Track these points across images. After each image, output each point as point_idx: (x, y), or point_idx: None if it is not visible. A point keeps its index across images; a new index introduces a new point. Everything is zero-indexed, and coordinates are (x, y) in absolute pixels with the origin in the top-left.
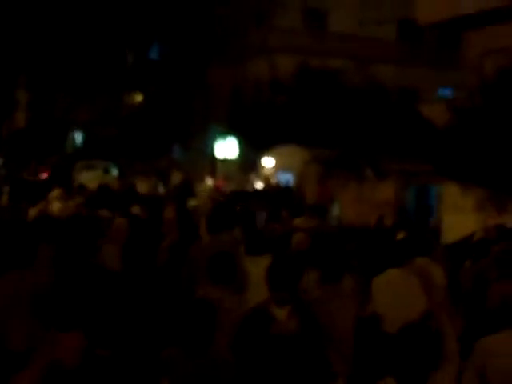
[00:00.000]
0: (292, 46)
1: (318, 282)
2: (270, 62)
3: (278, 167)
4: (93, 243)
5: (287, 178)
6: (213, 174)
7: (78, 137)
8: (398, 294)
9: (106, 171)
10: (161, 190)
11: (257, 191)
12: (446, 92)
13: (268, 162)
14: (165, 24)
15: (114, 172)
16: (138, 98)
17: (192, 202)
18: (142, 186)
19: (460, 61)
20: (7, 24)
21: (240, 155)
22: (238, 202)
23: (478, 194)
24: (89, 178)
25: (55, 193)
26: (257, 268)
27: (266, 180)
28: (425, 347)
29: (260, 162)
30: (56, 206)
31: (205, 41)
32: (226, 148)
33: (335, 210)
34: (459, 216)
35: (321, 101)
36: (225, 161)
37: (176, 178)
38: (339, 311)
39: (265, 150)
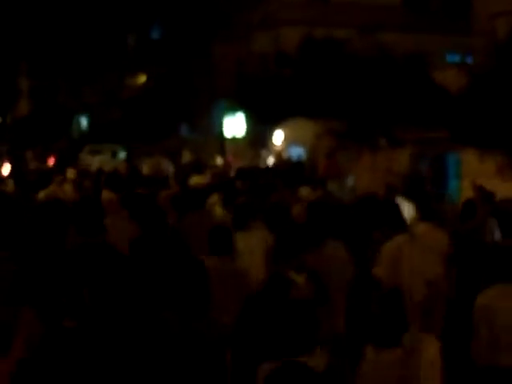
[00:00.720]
0: (296, 17)
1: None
2: (275, 35)
3: (288, 141)
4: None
5: (298, 152)
6: (222, 152)
7: (83, 121)
8: (405, 260)
9: (114, 154)
10: (171, 169)
11: (266, 167)
12: (454, 57)
13: (278, 137)
14: (165, 2)
15: (122, 155)
16: (142, 78)
17: (196, 180)
18: (146, 167)
19: (471, 24)
20: (7, 11)
21: (249, 131)
22: (245, 178)
23: (496, 160)
24: (97, 162)
25: (58, 178)
26: (241, 242)
27: (277, 155)
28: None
29: (270, 137)
30: (59, 190)
31: (207, 17)
32: (235, 124)
33: (349, 182)
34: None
35: (327, 71)
36: (234, 137)
37: (186, 157)
38: (328, 275)
39: (274, 124)
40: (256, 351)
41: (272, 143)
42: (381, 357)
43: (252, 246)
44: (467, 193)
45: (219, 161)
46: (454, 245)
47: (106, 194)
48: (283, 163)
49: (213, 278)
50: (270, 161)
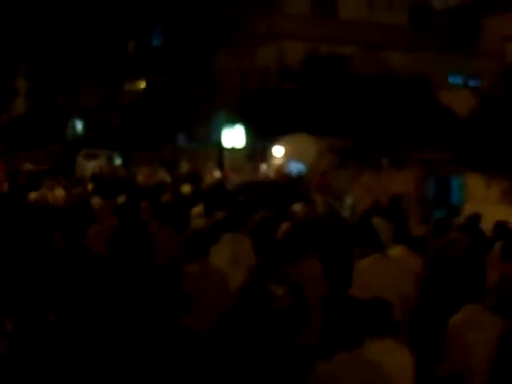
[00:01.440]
0: (301, 32)
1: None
2: (279, 49)
3: (288, 157)
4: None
5: (299, 169)
6: (220, 164)
7: (79, 124)
8: (378, 279)
9: (110, 160)
10: (167, 179)
11: (265, 182)
12: (457, 79)
13: (278, 152)
14: (168, 9)
15: (118, 161)
16: (141, 85)
17: (187, 189)
18: (142, 176)
19: (479, 46)
20: (7, 10)
21: (248, 144)
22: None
23: (502, 185)
24: (92, 167)
25: (48, 182)
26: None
27: (277, 170)
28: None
29: (269, 151)
30: (49, 195)
31: (210, 25)
32: (234, 136)
33: (348, 201)
34: (483, 207)
35: (331, 88)
36: (232, 149)
37: (183, 167)
38: (305, 290)
39: (274, 139)
40: (236, 358)
41: (271, 158)
42: (342, 358)
43: (228, 258)
44: None
45: (217, 173)
46: (428, 268)
47: (97, 201)
48: (284, 178)
49: (194, 282)
50: (270, 175)
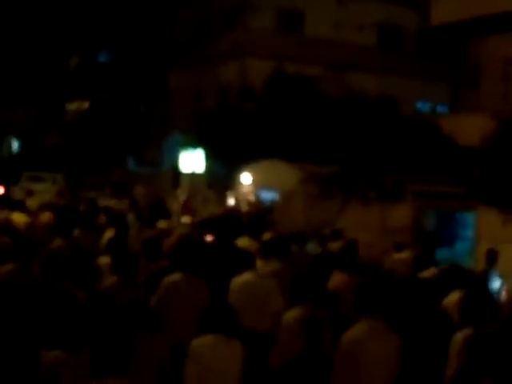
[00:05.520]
0: (265, 49)
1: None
2: (241, 67)
3: (258, 185)
4: None
5: (271, 198)
6: (178, 189)
7: (14, 143)
8: (252, 294)
9: (55, 183)
10: (122, 205)
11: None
12: (425, 105)
13: (246, 179)
14: (116, 25)
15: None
16: (84, 104)
17: (162, 225)
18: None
19: (479, 70)
20: None
21: (208, 169)
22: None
23: None
24: (37, 190)
25: None
26: None
27: (248, 201)
28: None
29: (235, 178)
30: None
31: (165, 41)
32: (192, 160)
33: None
34: (499, 246)
35: (297, 110)
36: (192, 174)
37: (139, 192)
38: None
39: (240, 164)
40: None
41: (238, 185)
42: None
43: None
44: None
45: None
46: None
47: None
48: (253, 209)
49: None
50: (241, 206)
